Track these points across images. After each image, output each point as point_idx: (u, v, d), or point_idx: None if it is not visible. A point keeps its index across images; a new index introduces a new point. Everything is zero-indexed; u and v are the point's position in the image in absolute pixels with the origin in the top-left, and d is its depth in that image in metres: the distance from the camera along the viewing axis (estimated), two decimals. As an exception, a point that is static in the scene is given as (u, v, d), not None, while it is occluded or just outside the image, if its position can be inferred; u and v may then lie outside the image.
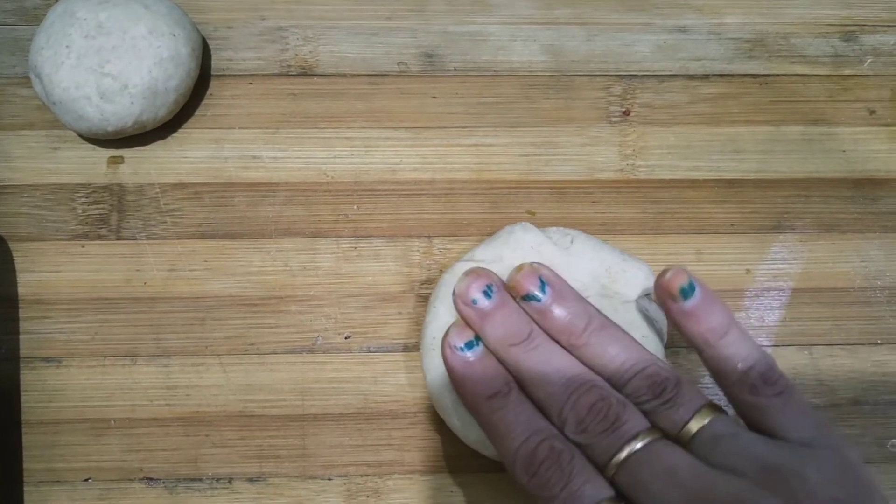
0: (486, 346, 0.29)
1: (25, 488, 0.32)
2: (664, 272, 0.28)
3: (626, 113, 0.38)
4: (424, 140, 0.37)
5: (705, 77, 0.38)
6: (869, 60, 0.39)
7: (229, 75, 0.37)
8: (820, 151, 0.38)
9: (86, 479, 0.33)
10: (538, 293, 0.29)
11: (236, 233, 0.35)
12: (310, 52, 0.37)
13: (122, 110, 0.33)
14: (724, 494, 0.23)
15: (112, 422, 0.33)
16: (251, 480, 0.33)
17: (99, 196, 0.35)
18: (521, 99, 0.37)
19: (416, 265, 0.35)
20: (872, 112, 0.38)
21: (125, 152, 0.36)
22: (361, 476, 0.33)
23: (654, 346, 0.30)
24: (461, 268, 0.31)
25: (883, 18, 0.39)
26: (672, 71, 0.38)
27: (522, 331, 0.28)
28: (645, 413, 0.27)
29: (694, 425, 0.26)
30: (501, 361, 0.29)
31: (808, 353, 0.35)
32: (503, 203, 0.36)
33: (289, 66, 0.37)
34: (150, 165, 0.36)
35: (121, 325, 0.34)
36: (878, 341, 0.36)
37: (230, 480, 0.33)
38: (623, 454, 0.26)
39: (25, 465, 0.33)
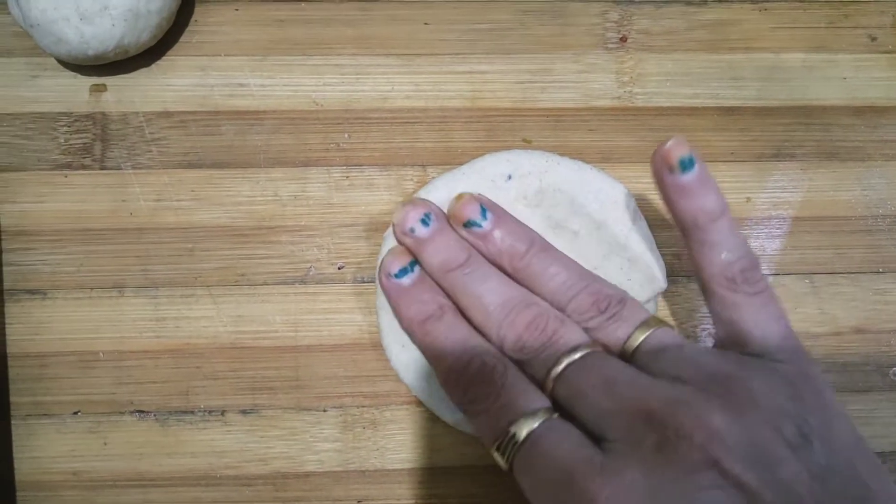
0: (425, 273, 0.29)
1: (13, 422, 0.32)
2: (664, 141, 0.26)
3: (623, 39, 0.37)
4: (417, 67, 0.36)
5: (703, 3, 0.37)
6: (870, -14, 0.38)
7: (214, 1, 0.36)
8: (820, 79, 0.37)
9: (75, 412, 0.32)
10: (479, 219, 0.28)
11: (224, 162, 0.34)
12: (297, -24, 0.36)
13: (102, 33, 0.32)
14: (660, 400, 0.23)
15: (101, 354, 0.32)
16: (244, 412, 0.32)
17: (82, 125, 0.34)
18: (516, 25, 0.36)
19: (411, 195, 0.34)
20: (874, 39, 0.38)
21: (108, 80, 0.35)
22: (357, 407, 0.33)
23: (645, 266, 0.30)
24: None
25: (885, -58, 0.39)
26: (670, -4, 0.37)
27: (460, 256, 0.28)
28: (589, 330, 0.26)
29: (637, 337, 0.26)
30: (441, 288, 0.28)
31: (809, 282, 0.35)
32: (498, 131, 0.35)
33: (276, -9, 0.36)
34: (133, 93, 0.35)
35: (107, 256, 0.33)
36: (880, 269, 0.35)
37: (223, 412, 0.32)
38: (560, 366, 0.25)
39: (12, 399, 0.32)
